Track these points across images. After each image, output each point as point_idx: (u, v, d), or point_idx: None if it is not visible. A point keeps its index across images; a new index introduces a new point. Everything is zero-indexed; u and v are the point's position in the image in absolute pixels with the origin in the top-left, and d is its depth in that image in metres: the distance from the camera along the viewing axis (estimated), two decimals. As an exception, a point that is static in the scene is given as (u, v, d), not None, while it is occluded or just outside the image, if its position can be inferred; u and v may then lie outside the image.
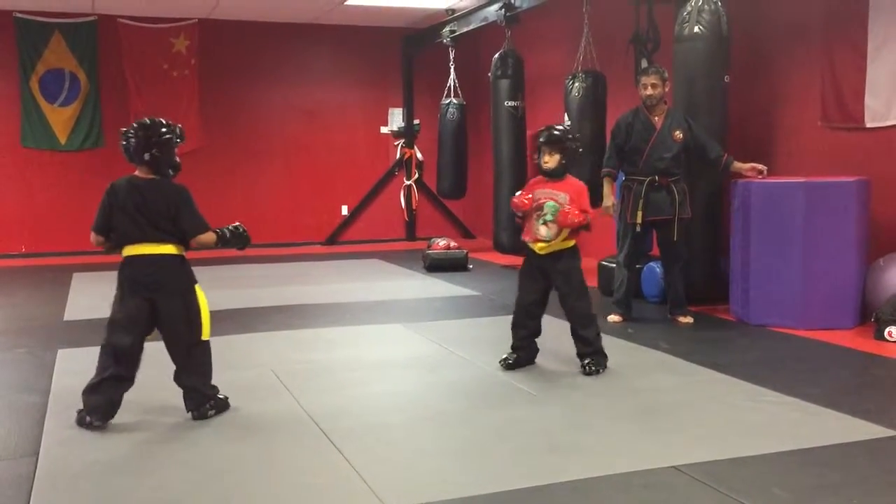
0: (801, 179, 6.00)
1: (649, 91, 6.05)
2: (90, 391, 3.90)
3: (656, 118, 6.10)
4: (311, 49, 12.01)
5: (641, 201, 6.02)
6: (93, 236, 4.02)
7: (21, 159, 10.86)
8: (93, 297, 7.67)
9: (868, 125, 6.30)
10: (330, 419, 3.94)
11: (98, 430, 3.83)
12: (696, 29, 6.36)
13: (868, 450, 3.50)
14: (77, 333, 6.05)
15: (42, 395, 4.42)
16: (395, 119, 12.44)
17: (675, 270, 6.21)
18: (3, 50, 10.70)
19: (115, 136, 11.74)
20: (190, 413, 4.00)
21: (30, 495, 3.11)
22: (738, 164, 6.09)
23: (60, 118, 10.94)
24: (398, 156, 12.44)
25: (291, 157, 12.03)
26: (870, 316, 5.76)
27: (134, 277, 3.93)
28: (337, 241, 12.20)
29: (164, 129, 3.94)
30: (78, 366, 5.04)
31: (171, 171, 3.99)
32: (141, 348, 3.97)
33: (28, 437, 3.78)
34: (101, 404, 3.88)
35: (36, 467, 3.39)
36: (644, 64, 7.27)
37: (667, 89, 6.14)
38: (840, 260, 5.82)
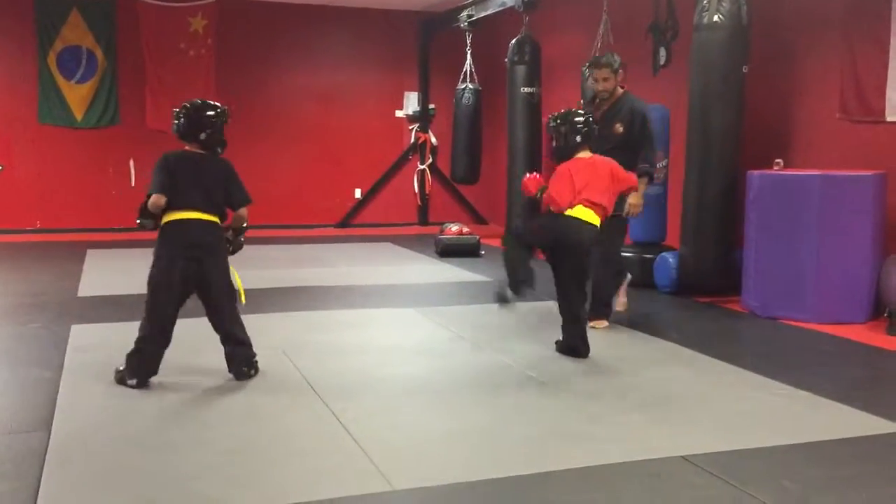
0: (818, 172, 5.96)
1: (601, 86, 5.50)
2: (133, 353, 4.14)
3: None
4: (328, 31, 11.97)
5: None
6: (155, 198, 4.17)
7: (37, 135, 10.89)
8: (106, 273, 7.73)
9: (889, 119, 6.24)
10: (340, 401, 3.96)
11: (138, 389, 4.09)
12: (715, 18, 6.30)
13: (878, 445, 3.50)
14: (90, 309, 6.09)
15: (55, 370, 4.46)
16: (411, 103, 12.41)
17: (605, 270, 5.49)
18: (22, 26, 10.72)
19: (131, 114, 11.77)
20: (236, 372, 4.28)
21: (42, 469, 3.14)
22: (634, 195, 5.34)
23: (77, 95, 10.96)
24: (412, 140, 12.42)
25: (306, 139, 12.02)
26: (883, 311, 5.74)
27: (181, 240, 4.16)
28: (350, 224, 12.21)
29: (215, 112, 4.27)
30: (91, 341, 5.10)
31: (219, 148, 4.31)
32: (178, 312, 4.22)
33: (41, 411, 3.81)
34: (141, 365, 4.13)
35: (48, 441, 3.42)
36: (663, 54, 7.21)
37: (619, 79, 5.59)
38: (854, 254, 5.79)
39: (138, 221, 4.23)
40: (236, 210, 4.35)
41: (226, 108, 4.35)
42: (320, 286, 7.18)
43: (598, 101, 5.55)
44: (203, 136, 4.24)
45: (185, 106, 4.29)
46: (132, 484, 3.04)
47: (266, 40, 11.71)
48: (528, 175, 5.04)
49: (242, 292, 4.39)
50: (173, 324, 4.19)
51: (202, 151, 4.27)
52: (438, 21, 11.69)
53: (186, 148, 4.29)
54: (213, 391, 4.14)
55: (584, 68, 7.92)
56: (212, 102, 4.33)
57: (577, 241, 4.70)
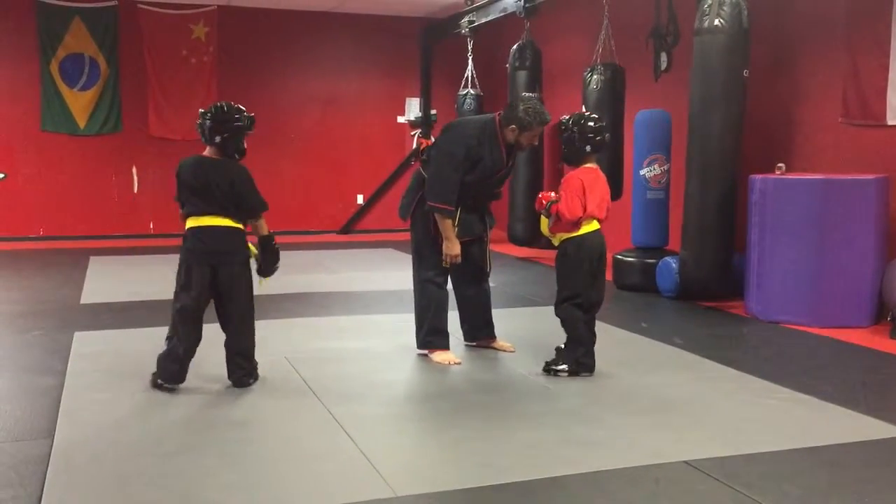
0: (820, 176, 5.96)
1: (535, 142, 4.89)
2: (164, 358, 4.15)
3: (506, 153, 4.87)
4: (330, 37, 12.00)
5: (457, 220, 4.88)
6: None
7: (40, 143, 10.91)
8: (109, 280, 7.73)
9: (890, 123, 6.24)
10: (342, 406, 3.96)
11: (170, 392, 4.13)
12: (716, 22, 6.30)
13: (880, 449, 3.49)
14: (93, 316, 6.10)
15: (58, 377, 4.46)
16: (412, 109, 12.43)
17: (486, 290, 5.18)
18: (24, 34, 10.75)
19: (134, 121, 11.75)
20: (236, 380, 4.27)
21: (45, 476, 3.15)
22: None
23: (80, 102, 10.99)
24: (414, 146, 12.42)
25: (308, 146, 12.04)
26: (886, 315, 5.73)
27: (197, 247, 4.14)
28: (352, 230, 12.22)
29: (237, 116, 4.22)
30: (94, 348, 5.10)
31: (237, 155, 4.26)
32: (202, 315, 4.22)
33: (44, 418, 3.81)
34: (174, 370, 4.15)
35: (51, 449, 3.42)
36: (664, 59, 7.20)
37: None
38: (857, 258, 5.78)
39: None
40: (251, 219, 4.28)
41: (252, 116, 4.28)
42: (322, 292, 7.19)
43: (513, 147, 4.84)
44: (218, 139, 4.18)
45: (212, 106, 4.27)
46: (135, 490, 3.04)
47: (268, 47, 11.73)
48: (542, 193, 4.73)
49: (261, 281, 4.35)
50: (200, 329, 4.20)
51: (217, 157, 4.22)
52: (440, 27, 11.70)
53: (204, 153, 4.25)
54: (216, 397, 4.14)
55: (585, 72, 7.93)
56: (238, 107, 4.26)
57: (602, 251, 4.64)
